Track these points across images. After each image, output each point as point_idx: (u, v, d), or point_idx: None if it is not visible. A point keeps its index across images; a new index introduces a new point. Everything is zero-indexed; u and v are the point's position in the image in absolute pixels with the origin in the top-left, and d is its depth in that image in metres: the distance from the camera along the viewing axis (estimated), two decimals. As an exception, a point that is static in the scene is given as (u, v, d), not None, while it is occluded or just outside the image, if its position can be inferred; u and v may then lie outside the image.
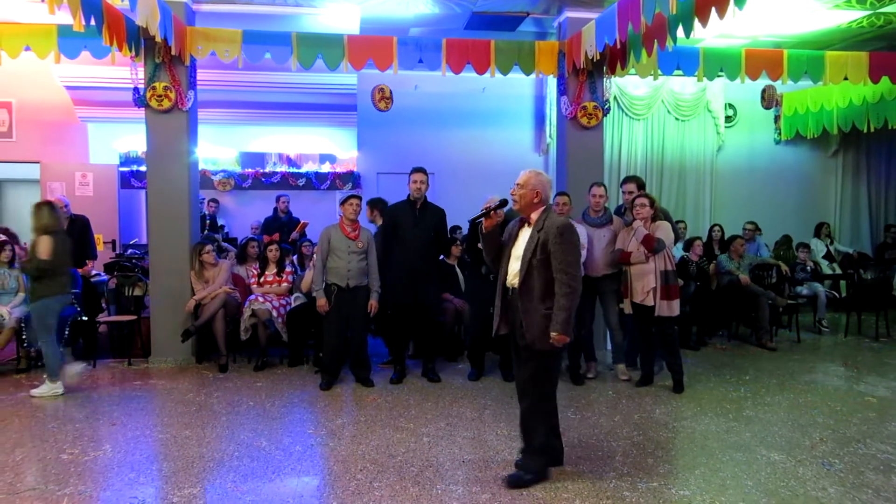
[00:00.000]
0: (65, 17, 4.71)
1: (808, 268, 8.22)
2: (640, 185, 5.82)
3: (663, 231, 5.30)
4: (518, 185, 3.64)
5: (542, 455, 3.67)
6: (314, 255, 5.97)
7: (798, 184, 10.15)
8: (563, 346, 3.55)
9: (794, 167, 10.16)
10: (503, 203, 3.76)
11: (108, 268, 7.12)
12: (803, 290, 8.00)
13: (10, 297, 6.10)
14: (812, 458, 3.99)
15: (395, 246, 5.69)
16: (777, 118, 9.88)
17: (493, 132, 9.31)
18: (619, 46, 5.70)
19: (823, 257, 8.90)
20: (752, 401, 5.17)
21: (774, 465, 3.88)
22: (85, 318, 6.33)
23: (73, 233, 6.93)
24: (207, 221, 8.23)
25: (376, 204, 6.34)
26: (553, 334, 3.46)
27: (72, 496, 3.46)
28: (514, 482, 3.60)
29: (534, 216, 3.62)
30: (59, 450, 4.13)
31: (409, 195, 5.70)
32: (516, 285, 3.59)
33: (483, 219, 3.73)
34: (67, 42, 5.82)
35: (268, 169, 9.02)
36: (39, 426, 4.57)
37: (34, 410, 4.91)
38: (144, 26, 5.04)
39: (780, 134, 9.94)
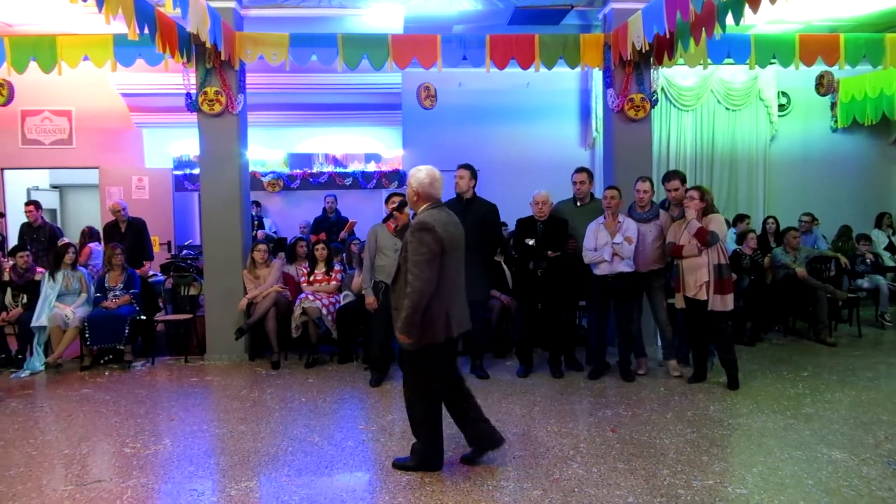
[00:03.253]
0: (120, 26, 4.86)
1: (869, 260, 7.93)
2: (683, 180, 5.72)
3: (717, 223, 5.18)
4: (407, 183, 3.68)
5: (427, 447, 3.70)
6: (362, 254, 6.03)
7: (856, 173, 9.76)
8: (431, 346, 3.51)
9: (852, 156, 9.78)
10: (404, 203, 3.74)
11: (165, 268, 7.34)
12: (864, 282, 7.74)
13: (74, 297, 6.35)
14: (877, 457, 3.84)
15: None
16: (833, 105, 9.51)
17: (538, 127, 9.24)
18: (667, 36, 5.59)
19: (885, 249, 8.56)
20: (812, 398, 5.01)
21: (836, 464, 3.76)
22: (143, 318, 6.55)
23: (131, 235, 7.21)
24: (255, 223, 8.40)
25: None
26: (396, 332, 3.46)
27: (135, 488, 3.59)
28: (399, 464, 3.75)
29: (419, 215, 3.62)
30: (121, 444, 4.28)
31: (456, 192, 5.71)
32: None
33: (390, 220, 3.80)
34: (123, 51, 6.00)
35: (315, 169, 9.18)
36: (103, 421, 4.75)
37: (98, 406, 5.10)
38: (195, 33, 5.18)
39: (836, 121, 9.58)
